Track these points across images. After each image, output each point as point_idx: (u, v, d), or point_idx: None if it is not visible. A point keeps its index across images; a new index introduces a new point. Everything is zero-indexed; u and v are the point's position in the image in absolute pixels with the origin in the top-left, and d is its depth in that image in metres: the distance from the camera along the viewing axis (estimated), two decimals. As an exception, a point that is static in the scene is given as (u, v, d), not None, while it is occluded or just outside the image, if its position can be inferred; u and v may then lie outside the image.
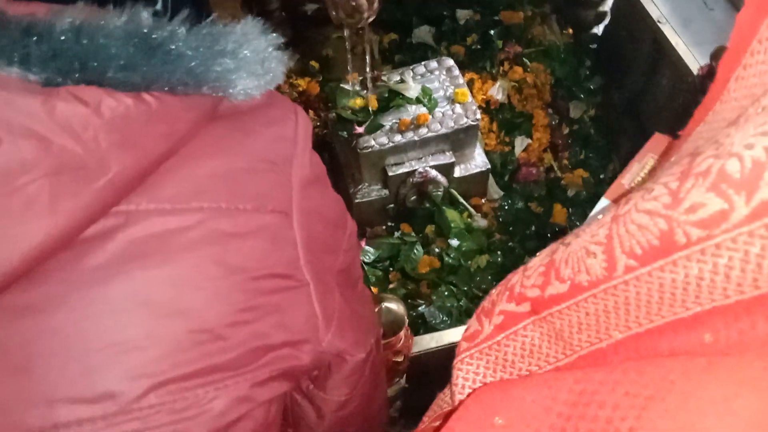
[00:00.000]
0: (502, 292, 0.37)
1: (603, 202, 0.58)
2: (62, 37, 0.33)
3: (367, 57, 1.01)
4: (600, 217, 0.33)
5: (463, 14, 1.32)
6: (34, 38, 0.32)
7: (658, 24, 1.09)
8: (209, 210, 0.37)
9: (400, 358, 0.69)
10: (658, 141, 0.62)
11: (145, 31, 0.35)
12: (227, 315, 0.37)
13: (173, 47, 0.35)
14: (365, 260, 1.05)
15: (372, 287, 1.01)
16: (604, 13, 1.31)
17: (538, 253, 0.36)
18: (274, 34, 0.40)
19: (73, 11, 0.34)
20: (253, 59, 0.38)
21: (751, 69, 0.27)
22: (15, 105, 0.31)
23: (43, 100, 0.31)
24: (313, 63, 1.28)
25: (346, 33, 1.17)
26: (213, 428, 0.37)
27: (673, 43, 1.06)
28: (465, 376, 0.40)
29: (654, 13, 1.11)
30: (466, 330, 0.40)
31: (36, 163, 0.31)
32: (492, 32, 1.28)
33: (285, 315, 0.40)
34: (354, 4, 0.93)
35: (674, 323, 0.27)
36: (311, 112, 1.21)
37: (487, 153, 1.12)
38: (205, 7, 0.51)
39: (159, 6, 0.42)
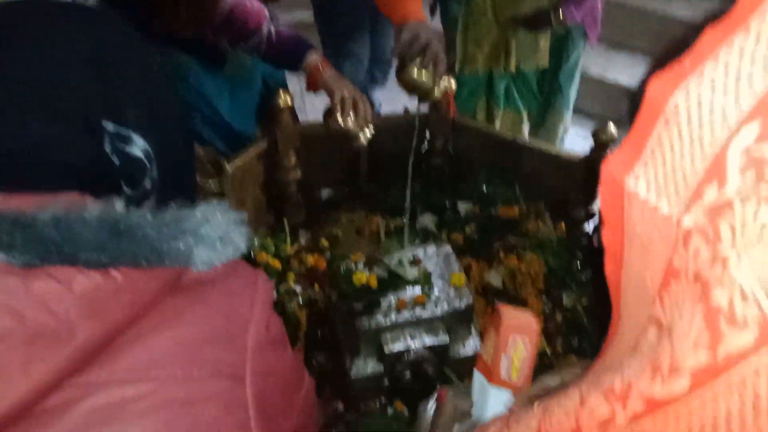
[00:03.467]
0: None
1: (477, 375, 0.65)
2: (43, 227, 0.39)
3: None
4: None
5: (463, 206, 1.44)
6: (20, 228, 0.39)
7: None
8: (165, 378, 0.41)
9: None
10: (494, 316, 0.68)
11: (116, 219, 0.42)
12: None
13: (139, 231, 0.42)
14: (357, 437, 1.05)
15: (360, 466, 1.00)
16: (594, 213, 1.43)
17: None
18: (237, 213, 0.46)
19: (56, 204, 0.41)
20: (212, 236, 0.44)
21: (630, 308, 0.34)
22: None
23: (21, 280, 0.37)
24: (323, 241, 1.38)
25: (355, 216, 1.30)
26: None
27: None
28: None
29: (635, 215, 1.21)
30: None
31: (10, 334, 0.36)
32: (489, 224, 1.39)
33: None
34: (343, 131, 1.16)
35: None
36: (317, 285, 1.28)
37: (481, 335, 1.16)
38: (189, 181, 0.59)
39: (145, 185, 0.50)
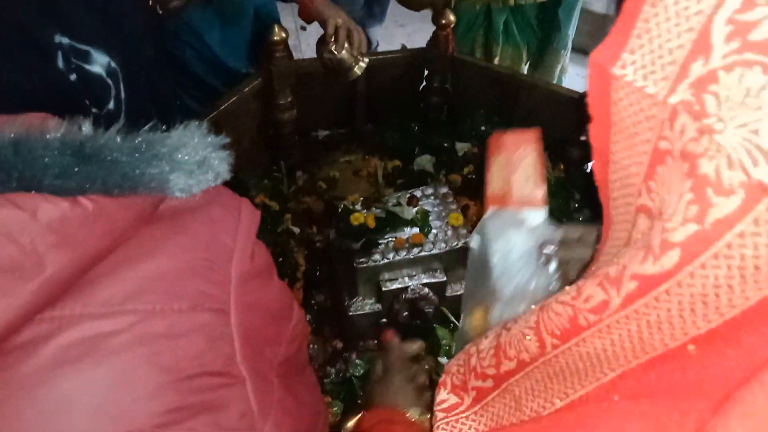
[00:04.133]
0: (467, 371, 0.44)
1: (489, 218, 0.63)
2: (1, 150, 0.36)
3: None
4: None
5: (461, 146, 1.43)
6: None
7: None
8: (143, 312, 0.38)
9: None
10: (493, 146, 0.67)
11: (81, 141, 0.38)
12: (157, 415, 0.37)
13: (108, 155, 0.39)
14: (355, 374, 1.07)
15: (359, 401, 1.02)
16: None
17: (486, 335, 0.43)
18: (217, 136, 0.43)
19: (13, 125, 0.38)
20: (189, 161, 0.41)
21: (618, 206, 0.34)
22: None
23: None
24: (320, 183, 1.37)
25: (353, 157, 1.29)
26: None
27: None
28: None
29: (635, 154, 1.20)
30: (440, 402, 0.47)
31: None
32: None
33: (219, 413, 0.40)
34: (336, 61, 1.17)
35: (597, 389, 0.32)
36: (314, 227, 1.28)
37: (478, 275, 1.16)
38: (162, 104, 0.55)
39: (111, 106, 0.46)
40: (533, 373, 0.39)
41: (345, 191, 1.33)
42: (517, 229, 0.63)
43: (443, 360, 1.08)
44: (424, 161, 1.42)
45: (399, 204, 1.11)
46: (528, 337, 0.38)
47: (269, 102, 1.32)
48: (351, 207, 1.12)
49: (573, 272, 0.58)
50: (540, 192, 0.65)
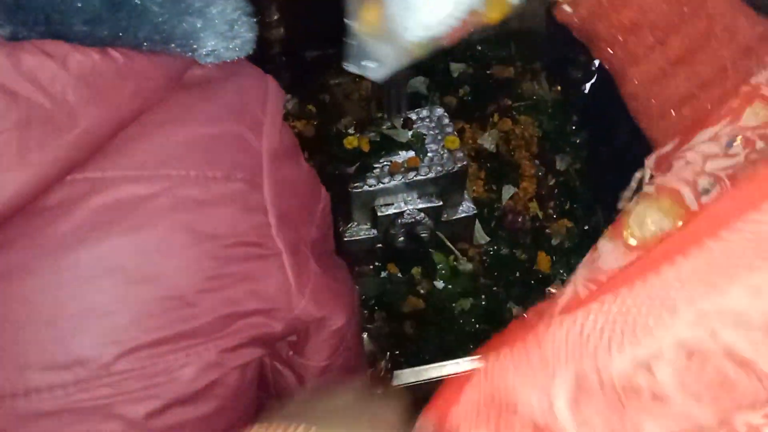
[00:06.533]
0: None
1: None
2: None
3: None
4: None
5: (456, 67, 1.37)
6: None
7: (641, 84, 1.14)
8: (178, 177, 0.37)
9: (379, 390, 0.70)
10: None
11: None
12: (197, 282, 0.37)
13: (139, 2, 0.36)
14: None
15: (356, 325, 1.03)
16: (593, 73, 1.37)
17: None
18: (244, 1, 0.40)
19: None
20: (220, 20, 0.39)
21: None
22: None
23: (7, 52, 0.32)
24: (310, 107, 1.32)
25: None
26: (184, 394, 0.37)
27: (655, 102, 1.11)
28: None
29: (637, 73, 1.16)
30: None
31: (3, 116, 0.31)
32: (483, 85, 1.33)
33: (256, 283, 0.40)
34: None
35: None
36: (306, 153, 1.24)
37: (474, 199, 1.15)
38: None
39: None
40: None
41: (336, 115, 1.29)
42: None
43: (439, 284, 1.08)
44: (417, 83, 1.37)
45: (394, 127, 1.08)
46: None
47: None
48: (344, 131, 1.09)
49: None
50: None
